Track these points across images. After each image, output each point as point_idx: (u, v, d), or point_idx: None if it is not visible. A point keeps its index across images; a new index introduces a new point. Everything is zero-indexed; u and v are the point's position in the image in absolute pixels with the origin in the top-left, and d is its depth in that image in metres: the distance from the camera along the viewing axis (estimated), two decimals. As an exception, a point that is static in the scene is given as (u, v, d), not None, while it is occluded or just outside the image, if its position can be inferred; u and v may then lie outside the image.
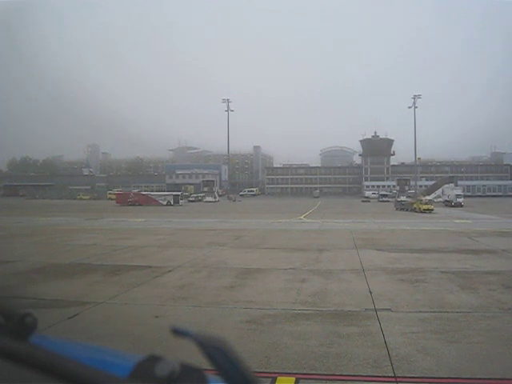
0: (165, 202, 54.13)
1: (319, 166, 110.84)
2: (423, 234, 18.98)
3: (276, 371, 4.56)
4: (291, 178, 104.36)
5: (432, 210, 37.29)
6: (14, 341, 0.71)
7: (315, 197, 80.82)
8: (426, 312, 6.75)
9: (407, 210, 40.05)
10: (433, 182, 69.13)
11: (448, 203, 49.52)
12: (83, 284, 8.78)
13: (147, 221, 27.81)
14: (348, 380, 4.42)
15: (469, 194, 76.23)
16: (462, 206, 47.09)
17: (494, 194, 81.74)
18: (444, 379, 4.40)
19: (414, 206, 39.03)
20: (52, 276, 9.57)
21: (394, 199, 65.65)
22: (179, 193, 60.53)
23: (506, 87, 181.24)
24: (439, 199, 53.69)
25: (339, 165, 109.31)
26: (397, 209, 43.64)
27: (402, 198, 55.80)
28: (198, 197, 68.16)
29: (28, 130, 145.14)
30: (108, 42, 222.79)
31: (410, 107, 73.79)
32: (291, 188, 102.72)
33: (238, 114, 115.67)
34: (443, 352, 5.03)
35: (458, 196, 49.44)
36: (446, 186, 55.73)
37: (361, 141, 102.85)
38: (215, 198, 67.52)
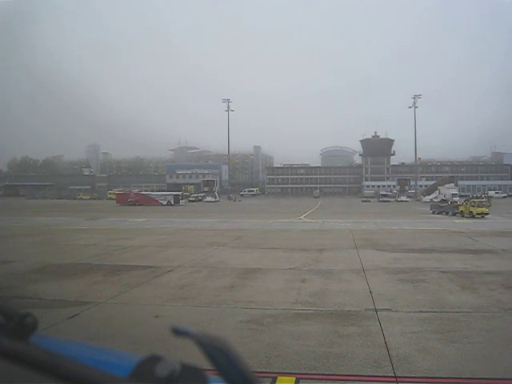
0: (165, 202, 54.14)
1: (319, 165, 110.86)
2: (423, 234, 18.97)
3: (276, 371, 4.55)
4: (291, 178, 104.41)
5: (487, 213, 30.06)
6: (14, 341, 0.71)
7: (315, 197, 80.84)
8: (427, 312, 6.75)
9: (448, 214, 33.44)
10: (433, 182, 69.30)
11: (445, 202, 50.08)
12: (83, 284, 8.78)
13: (147, 221, 27.82)
14: (348, 380, 4.42)
15: (469, 193, 76.28)
16: (431, 203, 46.91)
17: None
18: (444, 379, 4.40)
19: (461, 209, 31.94)
20: (52, 276, 9.57)
21: (394, 199, 65.84)
22: (179, 193, 60.60)
23: (507, 87, 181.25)
24: (436, 199, 54.51)
25: (339, 165, 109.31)
26: (433, 212, 35.95)
27: (424, 198, 54.82)
28: (198, 197, 68.18)
29: (28, 130, 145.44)
30: (108, 43, 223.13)
31: (410, 107, 73.84)
32: (291, 188, 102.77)
33: (238, 113, 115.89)
34: (443, 352, 5.03)
35: (453, 195, 50.22)
36: (446, 185, 56.10)
37: (361, 141, 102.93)
38: (215, 197, 67.54)
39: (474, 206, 30.57)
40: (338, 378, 4.44)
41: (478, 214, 29.91)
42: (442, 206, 36.28)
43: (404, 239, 16.85)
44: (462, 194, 60.09)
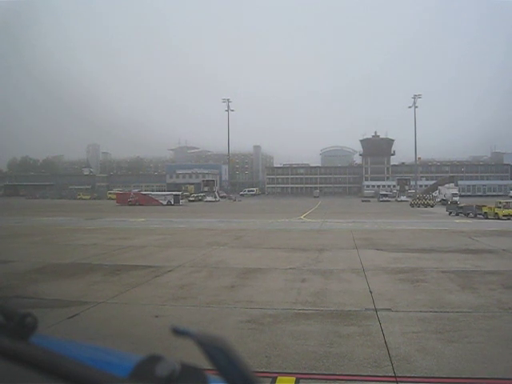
0: (165, 202, 54.09)
1: (319, 165, 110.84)
2: (423, 234, 18.97)
3: (276, 371, 4.55)
4: (291, 178, 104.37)
5: None
6: (14, 341, 0.71)
7: (315, 196, 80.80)
8: (426, 312, 6.75)
9: (468, 215, 31.17)
10: (433, 182, 69.22)
11: (445, 202, 50.17)
12: (83, 284, 8.78)
13: (147, 221, 27.82)
14: (348, 380, 4.42)
15: (469, 193, 76.34)
16: (457, 204, 46.54)
17: (494, 193, 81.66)
18: (444, 379, 4.40)
19: (485, 210, 29.53)
20: (52, 276, 9.57)
21: (394, 199, 65.82)
22: (179, 192, 60.58)
23: (507, 87, 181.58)
24: (437, 199, 54.74)
25: (339, 165, 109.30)
26: (450, 213, 33.98)
27: (418, 197, 54.67)
28: (198, 196, 68.16)
29: (28, 130, 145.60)
30: (108, 43, 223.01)
31: (410, 107, 73.92)
32: (291, 188, 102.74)
33: (238, 113, 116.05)
34: (443, 352, 5.03)
35: (454, 195, 50.17)
36: (446, 185, 56.07)
37: (361, 140, 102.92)
38: (215, 197, 67.54)
39: (499, 208, 28.41)
40: (338, 377, 4.44)
41: (504, 215, 27.58)
42: (461, 207, 33.37)
43: (404, 239, 16.85)
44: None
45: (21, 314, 0.79)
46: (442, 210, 40.91)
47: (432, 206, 48.09)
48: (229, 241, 16.23)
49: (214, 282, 9.03)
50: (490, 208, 29.28)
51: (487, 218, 28.36)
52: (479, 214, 30.06)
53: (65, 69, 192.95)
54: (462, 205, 33.87)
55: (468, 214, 31.53)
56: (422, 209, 45.65)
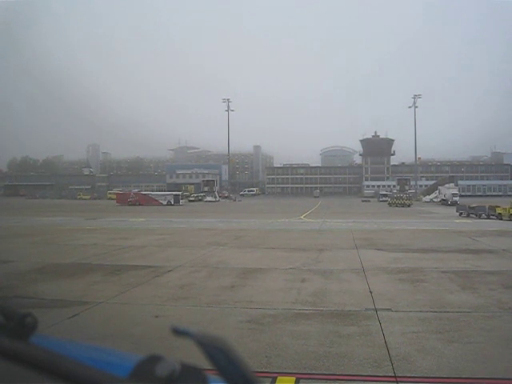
0: (165, 202, 54.10)
1: (319, 165, 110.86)
2: (423, 234, 18.96)
3: (276, 371, 4.55)
4: (291, 178, 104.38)
5: None
6: (14, 341, 0.71)
7: (315, 196, 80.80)
8: (427, 312, 6.75)
9: (480, 216, 29.77)
10: (433, 182, 69.30)
11: (445, 202, 50.40)
12: (83, 284, 8.77)
13: (147, 221, 27.81)
14: (348, 380, 4.42)
15: (469, 193, 76.37)
16: (458, 204, 46.11)
17: (494, 193, 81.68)
18: (444, 379, 4.40)
19: (499, 211, 28.17)
20: (52, 276, 9.57)
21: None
22: (179, 192, 60.55)
23: (507, 87, 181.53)
24: (437, 199, 55.00)
25: (339, 165, 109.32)
26: (460, 214, 32.54)
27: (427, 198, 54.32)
28: (198, 196, 68.14)
29: (28, 130, 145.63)
30: (108, 43, 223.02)
31: (410, 107, 74.01)
32: (291, 188, 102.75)
33: (238, 113, 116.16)
34: (443, 352, 5.03)
35: (454, 195, 50.24)
36: (446, 185, 56.18)
37: (361, 140, 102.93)
38: (215, 197, 67.53)
39: None
40: (338, 377, 4.44)
41: None
42: (473, 208, 31.64)
43: (404, 239, 16.85)
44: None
45: (21, 314, 0.79)
46: (443, 209, 40.96)
47: (409, 206, 48.92)
48: (229, 241, 16.23)
49: (214, 281, 9.02)
50: (505, 209, 27.91)
51: (501, 220, 27.18)
52: (492, 215, 28.77)
53: (65, 69, 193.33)
54: (474, 205, 32.32)
55: (480, 214, 30.13)
56: (420, 208, 45.70)
